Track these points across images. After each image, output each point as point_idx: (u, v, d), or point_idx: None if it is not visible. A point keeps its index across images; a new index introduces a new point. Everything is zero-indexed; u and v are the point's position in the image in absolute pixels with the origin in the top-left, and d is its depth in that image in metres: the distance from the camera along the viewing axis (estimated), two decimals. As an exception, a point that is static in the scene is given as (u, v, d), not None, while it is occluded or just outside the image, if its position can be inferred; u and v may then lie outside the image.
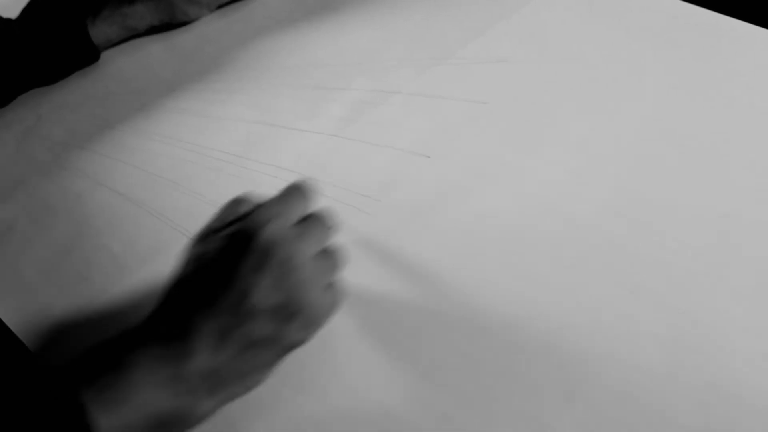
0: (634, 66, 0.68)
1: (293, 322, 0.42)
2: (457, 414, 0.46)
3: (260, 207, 0.45)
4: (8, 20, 0.69)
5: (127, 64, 0.75)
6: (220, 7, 0.80)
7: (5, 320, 0.53)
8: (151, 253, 0.56)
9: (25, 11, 0.69)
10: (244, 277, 0.42)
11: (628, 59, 0.69)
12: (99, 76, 0.73)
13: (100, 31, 0.72)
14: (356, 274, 0.53)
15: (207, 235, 0.46)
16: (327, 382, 0.48)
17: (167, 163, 0.63)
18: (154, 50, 0.76)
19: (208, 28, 0.78)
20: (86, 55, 0.72)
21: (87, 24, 0.71)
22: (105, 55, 0.74)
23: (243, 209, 0.47)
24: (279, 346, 0.43)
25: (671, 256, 0.53)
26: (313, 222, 0.46)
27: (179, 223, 0.58)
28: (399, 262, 0.54)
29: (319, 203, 0.49)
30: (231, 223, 0.45)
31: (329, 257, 0.46)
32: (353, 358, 0.49)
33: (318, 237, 0.46)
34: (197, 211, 0.59)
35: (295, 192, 0.47)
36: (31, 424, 0.37)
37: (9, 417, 0.37)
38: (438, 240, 0.55)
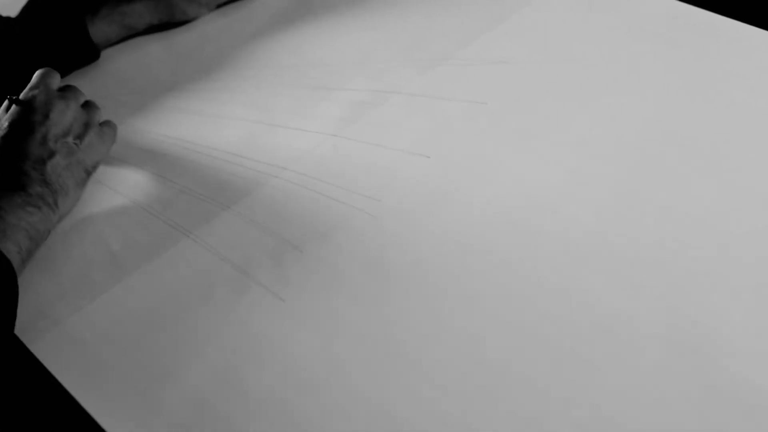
0: (634, 66, 0.68)
1: (85, 149, 0.61)
2: (458, 414, 0.46)
3: (30, 86, 0.62)
4: (8, 18, 0.69)
5: (126, 63, 0.75)
6: (219, 6, 0.80)
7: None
8: (151, 252, 0.56)
9: (25, 10, 0.69)
10: (39, 126, 0.59)
11: (628, 60, 0.69)
12: (98, 75, 0.73)
13: (98, 29, 0.72)
14: (356, 274, 0.53)
15: None
16: (327, 382, 0.48)
17: (166, 162, 0.63)
18: (153, 49, 0.76)
19: (208, 28, 0.78)
20: (86, 54, 0.72)
21: (86, 22, 0.71)
22: (104, 54, 0.74)
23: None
24: (83, 167, 0.61)
25: (671, 256, 0.53)
26: (67, 88, 0.64)
27: (178, 222, 0.58)
28: (399, 262, 0.54)
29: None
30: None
31: (91, 105, 0.65)
32: (354, 358, 0.49)
33: (78, 94, 0.64)
34: (196, 209, 0.59)
35: (47, 73, 0.63)
36: None
37: None
38: (438, 240, 0.55)
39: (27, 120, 0.59)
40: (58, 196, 0.57)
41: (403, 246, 0.55)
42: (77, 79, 0.72)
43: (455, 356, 0.48)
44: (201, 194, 0.60)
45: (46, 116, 0.59)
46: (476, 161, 0.61)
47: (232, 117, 0.67)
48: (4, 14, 0.69)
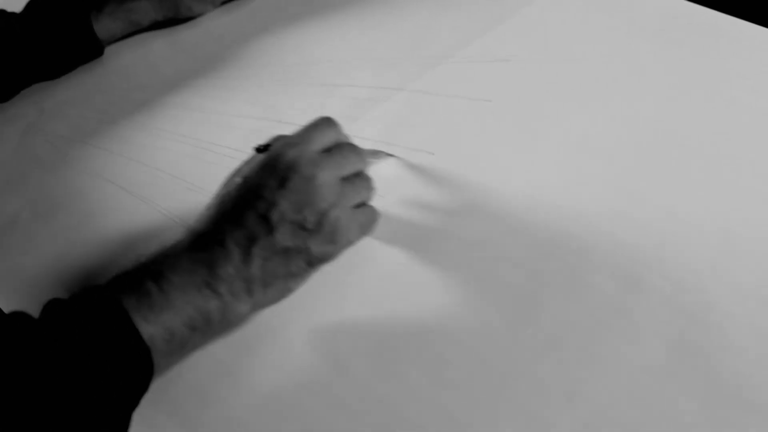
0: (636, 65, 0.68)
1: (316, 236, 0.47)
2: (461, 412, 0.46)
3: (290, 135, 0.50)
4: (11, 14, 0.69)
5: (130, 59, 0.75)
6: (224, 3, 0.80)
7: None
8: (153, 249, 0.56)
9: (30, 5, 0.69)
10: (269, 194, 0.47)
11: (630, 58, 0.69)
12: (102, 71, 0.73)
13: (103, 25, 0.72)
14: (359, 269, 0.53)
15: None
16: (331, 379, 0.48)
17: (170, 158, 0.63)
18: (158, 46, 0.76)
19: (212, 24, 0.78)
20: (90, 50, 0.72)
21: (91, 18, 0.71)
22: (108, 51, 0.74)
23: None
24: (304, 258, 0.48)
25: (673, 255, 0.53)
26: (341, 147, 0.51)
27: (182, 219, 0.58)
28: (403, 259, 0.54)
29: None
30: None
31: (359, 180, 0.51)
32: (358, 355, 0.49)
33: (345, 161, 0.50)
34: (199, 206, 0.59)
35: (323, 122, 0.51)
36: (81, 335, 0.41)
37: (62, 331, 0.41)
38: (441, 237, 0.55)
39: (258, 181, 0.48)
40: (254, 285, 0.46)
41: (406, 242, 0.55)
42: (81, 75, 0.73)
43: (459, 353, 0.48)
44: (203, 190, 0.60)
45: (283, 184, 0.47)
46: (480, 158, 0.61)
47: (235, 114, 0.67)
48: (8, 10, 0.69)
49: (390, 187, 0.59)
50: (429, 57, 0.71)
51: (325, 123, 0.51)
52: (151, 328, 0.42)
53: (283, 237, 0.47)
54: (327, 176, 0.48)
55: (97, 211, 0.60)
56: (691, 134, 0.61)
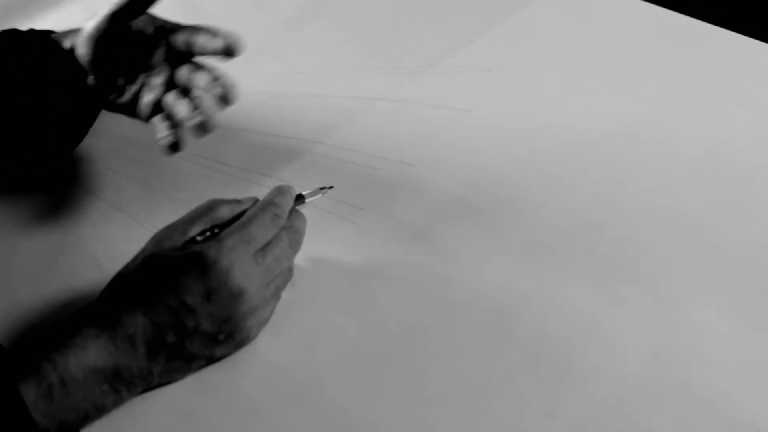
0: (621, 75, 0.68)
1: (225, 345, 0.47)
2: (441, 427, 0.46)
3: (230, 230, 0.47)
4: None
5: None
6: None
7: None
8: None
9: None
10: (191, 300, 0.45)
11: (616, 68, 0.69)
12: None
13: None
14: (339, 282, 0.54)
15: (170, 233, 0.48)
16: (310, 394, 0.48)
17: (155, 171, 0.63)
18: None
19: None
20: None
21: None
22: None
23: (219, 215, 0.50)
24: (207, 360, 0.48)
25: (653, 268, 0.53)
26: (278, 241, 0.49)
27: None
28: (382, 272, 0.54)
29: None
30: (202, 232, 0.49)
31: (284, 275, 0.50)
32: (338, 372, 0.49)
33: (276, 265, 0.48)
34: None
35: (267, 213, 0.49)
36: None
37: None
38: (422, 249, 0.55)
39: (183, 282, 0.45)
40: (152, 380, 0.46)
41: (386, 255, 0.55)
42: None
43: (438, 369, 0.49)
44: (187, 202, 0.60)
45: (209, 297, 0.45)
46: (461, 169, 0.61)
47: (218, 125, 0.67)
48: (8, 18, 0.69)
49: (369, 200, 0.59)
50: (411, 67, 0.71)
51: (269, 213, 0.49)
52: (46, 422, 0.42)
53: (192, 345, 0.46)
54: (255, 288, 0.47)
55: (82, 225, 0.60)
56: (678, 144, 0.61)
